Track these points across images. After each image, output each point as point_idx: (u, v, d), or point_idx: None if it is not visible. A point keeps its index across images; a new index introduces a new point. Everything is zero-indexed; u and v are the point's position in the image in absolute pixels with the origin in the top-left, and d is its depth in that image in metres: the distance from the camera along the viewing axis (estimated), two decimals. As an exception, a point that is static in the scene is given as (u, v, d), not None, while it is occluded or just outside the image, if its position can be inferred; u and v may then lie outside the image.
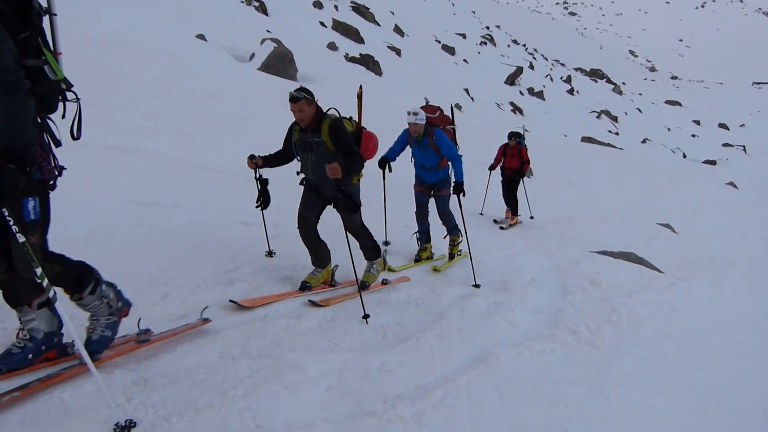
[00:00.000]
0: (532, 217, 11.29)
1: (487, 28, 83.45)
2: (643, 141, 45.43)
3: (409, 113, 6.36)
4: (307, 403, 3.34)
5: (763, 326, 6.50)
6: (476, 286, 6.08)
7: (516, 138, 10.89)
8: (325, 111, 4.98)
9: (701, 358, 5.12)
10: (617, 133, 46.50)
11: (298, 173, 5.21)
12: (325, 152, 4.87)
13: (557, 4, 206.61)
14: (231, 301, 4.38)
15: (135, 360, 3.43)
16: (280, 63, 20.39)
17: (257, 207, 5.37)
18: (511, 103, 43.01)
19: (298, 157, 5.17)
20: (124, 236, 5.30)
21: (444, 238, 7.15)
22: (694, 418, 4.11)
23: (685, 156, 41.16)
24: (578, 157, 23.04)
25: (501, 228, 9.99)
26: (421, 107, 6.67)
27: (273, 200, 5.51)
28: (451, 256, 7.13)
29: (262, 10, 32.05)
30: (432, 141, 6.47)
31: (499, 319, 5.15)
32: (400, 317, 4.87)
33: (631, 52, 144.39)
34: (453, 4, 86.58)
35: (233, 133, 11.08)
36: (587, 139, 33.87)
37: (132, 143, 8.65)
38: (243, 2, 31.60)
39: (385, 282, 5.72)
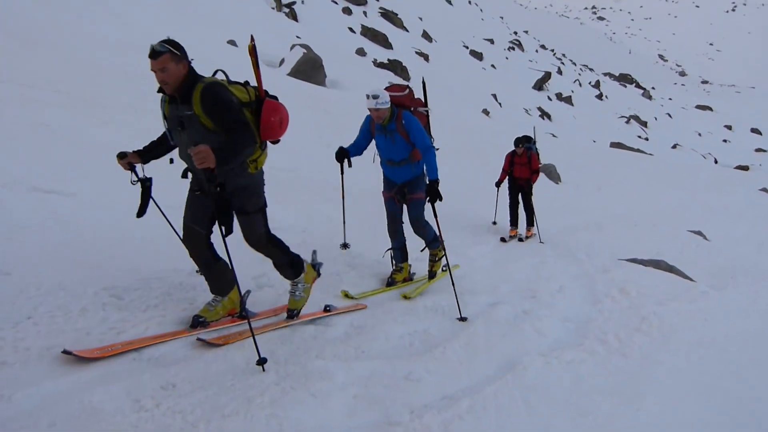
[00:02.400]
0: (542, 242, 9.33)
1: (515, 33, 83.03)
2: (674, 146, 44.68)
3: (368, 96, 5.24)
4: (334, 411, 3.34)
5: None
6: (462, 319, 5.07)
7: (524, 144, 9.66)
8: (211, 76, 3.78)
9: (734, 367, 5.00)
10: (647, 139, 45.82)
11: (171, 161, 4.04)
12: (200, 130, 3.63)
13: (585, 9, 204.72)
14: (65, 351, 3.31)
15: (163, 365, 3.48)
16: (309, 68, 20.54)
17: (137, 215, 4.01)
18: (539, 108, 42.69)
19: (172, 138, 3.87)
20: (154, 240, 5.38)
21: (422, 251, 6.21)
22: (726, 429, 4.02)
23: (716, 161, 40.36)
24: (607, 162, 22.76)
25: (519, 240, 9.34)
26: (386, 87, 5.66)
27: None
28: (432, 275, 6.14)
29: (292, 16, 32.36)
30: (401, 125, 5.41)
31: (526, 328, 5.09)
32: (427, 325, 4.85)
33: (661, 57, 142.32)
34: (481, 10, 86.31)
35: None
36: (616, 145, 33.44)
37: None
38: (273, 8, 31.95)
39: (327, 309, 4.72)
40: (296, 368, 3.69)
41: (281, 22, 29.84)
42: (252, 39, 4.14)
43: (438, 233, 5.78)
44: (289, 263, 4.34)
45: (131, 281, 4.38)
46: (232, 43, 20.99)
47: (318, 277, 4.73)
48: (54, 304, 3.81)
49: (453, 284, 5.33)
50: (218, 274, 4.07)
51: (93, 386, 3.10)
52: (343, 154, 5.64)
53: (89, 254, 4.63)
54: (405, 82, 6.68)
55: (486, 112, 31.66)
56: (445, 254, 5.85)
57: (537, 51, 78.42)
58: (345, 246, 6.20)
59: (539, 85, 52.38)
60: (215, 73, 3.82)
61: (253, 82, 4.06)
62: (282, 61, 20.97)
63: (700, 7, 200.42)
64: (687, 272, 7.89)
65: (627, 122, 51.86)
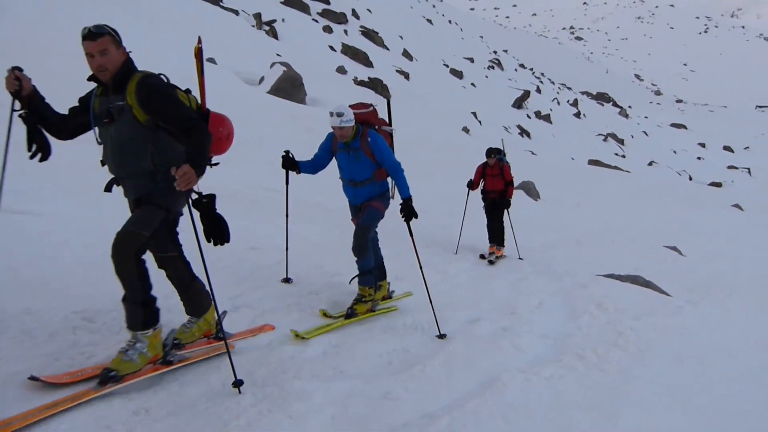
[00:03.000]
0: (520, 258, 9.30)
1: (495, 52, 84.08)
2: (650, 163, 45.32)
3: (332, 114, 5.00)
4: (312, 432, 3.30)
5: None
6: (441, 336, 5.03)
7: (495, 155, 9.32)
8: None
9: (710, 380, 5.04)
10: (624, 156, 46.42)
11: (103, 164, 3.50)
12: (130, 123, 3.24)
13: (564, 29, 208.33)
14: (32, 377, 3.16)
15: (136, 389, 3.39)
16: (289, 86, 20.53)
17: (30, 156, 3.40)
18: (519, 126, 43.11)
19: (98, 137, 3.38)
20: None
21: (350, 282, 5.60)
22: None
23: (691, 178, 41.02)
24: (586, 179, 23.02)
25: (482, 257, 8.91)
26: (351, 105, 5.36)
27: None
28: (350, 314, 5.16)
29: (273, 34, 32.42)
30: (365, 143, 5.17)
31: (506, 344, 5.09)
32: (407, 343, 4.82)
33: (637, 76, 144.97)
34: (461, 29, 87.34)
35: (243, 157, 11.14)
36: (594, 162, 33.85)
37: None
38: (253, 26, 31.99)
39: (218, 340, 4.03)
40: (273, 389, 3.64)
41: (261, 40, 29.88)
42: (199, 41, 3.66)
43: (416, 257, 5.38)
44: (142, 301, 3.42)
45: (103, 304, 4.27)
46: (211, 61, 20.93)
47: (216, 332, 4.04)
48: (19, 329, 3.72)
49: (431, 300, 5.19)
50: (194, 294, 3.82)
51: (61, 413, 3.01)
52: (289, 163, 5.38)
53: (59, 276, 4.55)
54: (368, 102, 6.34)
55: (466, 129, 31.90)
56: (425, 284, 5.27)
57: (516, 70, 79.45)
58: (287, 281, 5.76)
59: (518, 104, 52.96)
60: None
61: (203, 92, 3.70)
62: (262, 79, 20.96)
63: (674, 29, 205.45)
64: (663, 287, 7.99)
65: (604, 140, 52.55)
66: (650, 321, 6.23)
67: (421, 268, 5.43)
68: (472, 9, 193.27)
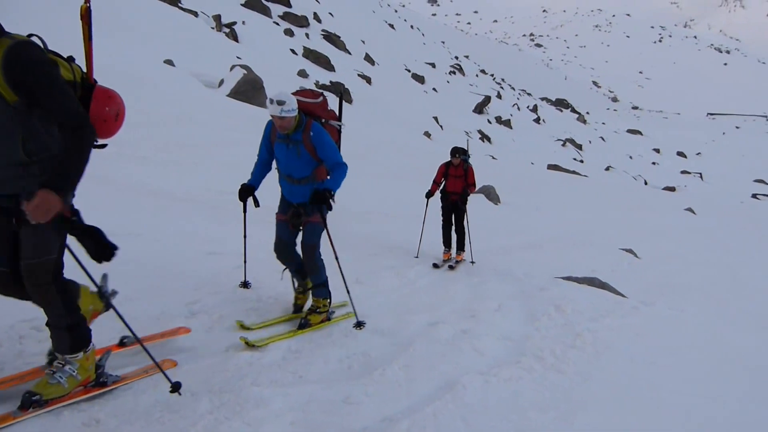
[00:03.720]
0: (473, 262, 8.98)
1: (456, 57, 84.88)
2: (607, 168, 46.39)
3: (271, 101, 4.48)
4: (270, 439, 3.25)
5: (721, 347, 6.63)
6: (358, 325, 5.15)
7: (461, 155, 8.90)
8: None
9: (664, 379, 5.17)
10: (582, 161, 47.42)
11: None
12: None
13: (524, 36, 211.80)
14: None
15: (86, 398, 3.27)
16: (249, 89, 20.36)
17: None
18: (480, 131, 43.61)
19: None
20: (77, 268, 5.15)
21: (301, 292, 5.38)
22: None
23: (646, 183, 42.13)
24: (545, 184, 23.42)
25: (450, 267, 8.46)
26: (296, 92, 4.92)
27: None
28: (304, 324, 4.94)
29: (233, 36, 32.11)
30: (308, 137, 4.64)
31: (465, 347, 5.12)
32: (367, 347, 4.80)
33: (595, 83, 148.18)
34: (423, 34, 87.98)
35: (201, 160, 11.00)
36: (553, 167, 34.48)
37: (93, 170, 8.48)
38: (213, 28, 31.63)
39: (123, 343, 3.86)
40: (231, 396, 3.57)
41: (221, 43, 29.55)
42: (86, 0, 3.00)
43: (335, 259, 5.05)
44: (67, 326, 3.05)
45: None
46: (169, 62, 20.63)
47: (106, 310, 3.59)
48: None
49: (348, 291, 5.14)
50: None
51: (4, 428, 2.89)
52: (246, 192, 4.95)
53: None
54: (318, 91, 5.81)
55: (428, 134, 32.11)
56: (349, 298, 5.15)
57: (477, 75, 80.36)
58: (245, 285, 5.64)
59: (479, 109, 53.59)
60: (29, 36, 2.71)
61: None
62: (221, 82, 20.75)
63: (630, 38, 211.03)
64: (619, 289, 8.16)
65: (563, 145, 53.57)
66: (606, 322, 6.35)
67: (336, 259, 5.08)
68: (434, 14, 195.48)
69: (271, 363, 4.21)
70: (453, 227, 9.04)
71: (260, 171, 5.06)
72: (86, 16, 2.96)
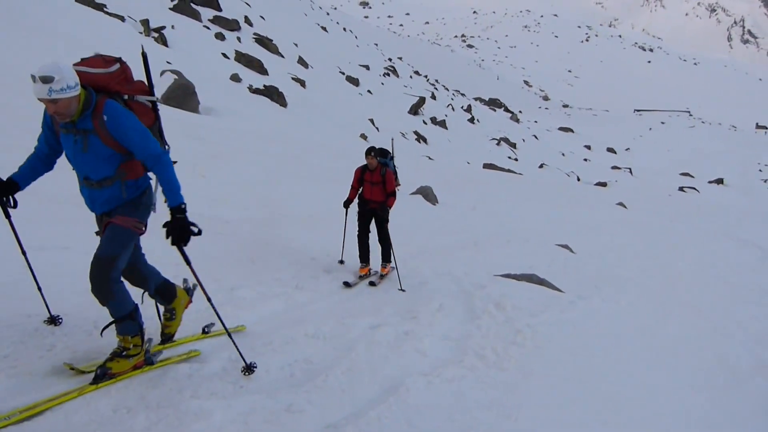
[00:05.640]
0: (402, 290, 7.33)
1: (390, 59, 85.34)
2: (541, 166, 47.58)
3: (34, 78, 3.21)
4: (211, 453, 3.17)
5: (656, 335, 6.92)
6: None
7: (377, 156, 7.65)
8: None
9: (603, 370, 5.35)
10: (516, 159, 48.48)
11: None
12: None
13: (456, 37, 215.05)
14: None
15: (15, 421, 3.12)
16: (181, 95, 19.86)
17: None
18: (416, 132, 43.94)
19: None
20: (9, 284, 4.88)
21: (168, 318, 4.43)
22: (599, 429, 4.26)
23: (579, 179, 43.44)
24: (481, 182, 23.80)
25: (348, 284, 7.07)
26: (80, 62, 3.56)
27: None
28: (101, 375, 3.63)
29: (162, 41, 31.22)
30: (100, 123, 3.39)
31: (408, 349, 5.14)
32: (308, 353, 4.75)
33: (526, 83, 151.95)
34: (356, 37, 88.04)
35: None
36: (489, 166, 35.10)
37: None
38: (141, 33, 30.67)
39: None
40: (169, 411, 3.47)
41: (150, 48, 28.65)
42: None
43: (202, 290, 4.03)
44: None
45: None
46: (96, 68, 19.92)
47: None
48: None
49: (228, 333, 4.22)
50: None
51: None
52: (2, 190, 3.69)
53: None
54: (114, 56, 3.77)
55: (364, 136, 32.10)
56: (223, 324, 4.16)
57: (411, 77, 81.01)
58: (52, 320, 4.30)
59: (415, 110, 54.00)
60: None
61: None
62: (152, 88, 20.17)
63: (558, 38, 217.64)
64: (556, 284, 8.37)
65: (498, 144, 54.64)
66: (545, 317, 6.51)
67: (215, 309, 4.13)
68: (366, 17, 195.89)
69: (211, 374, 4.10)
70: (373, 237, 7.93)
71: (32, 166, 3.73)
72: None
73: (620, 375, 5.34)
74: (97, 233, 3.81)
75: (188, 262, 3.79)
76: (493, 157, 42.78)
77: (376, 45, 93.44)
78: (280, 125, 24.06)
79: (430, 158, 31.75)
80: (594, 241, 14.03)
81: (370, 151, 7.64)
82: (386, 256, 7.94)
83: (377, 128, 37.46)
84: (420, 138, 42.95)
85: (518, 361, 5.15)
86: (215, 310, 4.05)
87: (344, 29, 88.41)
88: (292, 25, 63.82)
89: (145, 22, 31.89)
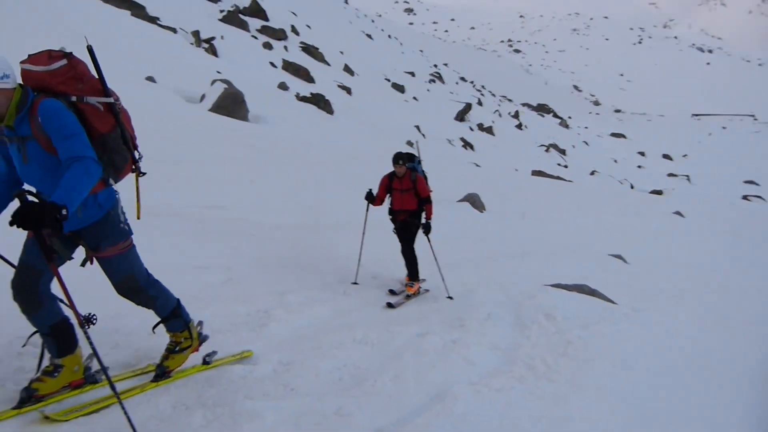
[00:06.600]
0: (450, 297, 7.25)
1: (435, 66, 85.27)
2: (592, 173, 46.71)
3: None
4: (263, 454, 3.23)
5: (714, 353, 6.65)
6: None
7: (405, 162, 7.10)
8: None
9: (656, 387, 5.19)
10: (566, 166, 47.73)
11: None
12: None
13: (502, 42, 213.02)
14: None
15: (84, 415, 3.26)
16: (230, 104, 20.32)
17: None
18: (462, 139, 43.77)
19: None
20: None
21: (153, 329, 3.90)
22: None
23: (632, 187, 42.44)
24: (530, 190, 23.51)
25: (389, 305, 6.57)
26: (26, 59, 3.06)
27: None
28: (162, 373, 3.73)
29: (212, 51, 32.02)
30: (36, 127, 2.96)
31: (455, 357, 5.12)
32: (356, 359, 4.79)
33: (576, 87, 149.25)
34: (401, 44, 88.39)
35: (185, 175, 10.91)
36: (537, 173, 34.64)
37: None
38: (192, 44, 31.54)
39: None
40: (224, 410, 3.56)
41: (201, 58, 29.46)
42: None
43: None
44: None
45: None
46: (150, 79, 20.52)
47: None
48: None
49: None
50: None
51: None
52: None
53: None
54: (63, 50, 3.08)
55: (410, 143, 32.18)
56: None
57: (457, 83, 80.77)
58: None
59: (461, 116, 53.80)
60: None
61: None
62: (203, 97, 20.66)
63: (609, 40, 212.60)
64: (609, 295, 8.16)
65: (546, 151, 53.92)
66: (597, 329, 6.35)
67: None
68: (411, 23, 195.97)
69: (262, 376, 4.18)
70: (401, 249, 7.43)
71: None
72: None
73: (676, 394, 5.17)
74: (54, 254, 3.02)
75: (49, 257, 2.90)
76: (542, 163, 42.23)
77: (422, 51, 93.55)
78: (327, 132, 24.32)
79: (477, 165, 31.57)
80: (648, 251, 13.67)
81: (399, 159, 7.05)
82: (413, 274, 7.29)
83: (423, 135, 37.48)
84: (467, 144, 42.77)
85: (568, 373, 5.06)
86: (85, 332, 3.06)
87: (389, 36, 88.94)
88: (337, 34, 64.57)
89: (196, 34, 32.81)
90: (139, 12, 30.75)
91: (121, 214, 3.41)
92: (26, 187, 3.16)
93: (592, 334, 6.16)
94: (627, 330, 6.59)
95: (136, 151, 3.55)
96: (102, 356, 3.04)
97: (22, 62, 3.05)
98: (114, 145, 3.29)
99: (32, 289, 3.18)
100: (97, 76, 3.22)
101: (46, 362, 3.38)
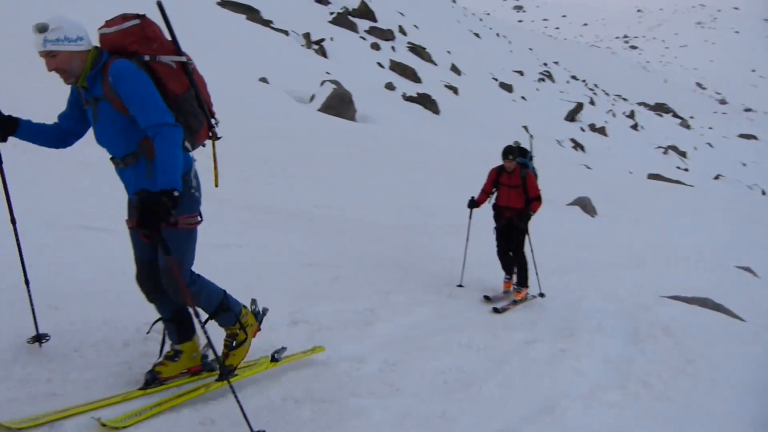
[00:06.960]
0: (542, 295, 7.19)
1: (545, 64, 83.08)
2: (716, 177, 43.73)
3: (34, 30, 2.79)
4: (369, 452, 3.27)
5: None
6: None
7: (515, 156, 6.77)
8: None
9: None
10: (686, 169, 45.02)
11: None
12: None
13: (617, 38, 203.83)
14: None
15: (202, 400, 3.42)
16: (339, 104, 20.81)
17: None
18: (572, 140, 42.38)
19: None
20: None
21: (203, 324, 3.20)
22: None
23: (764, 193, 39.29)
24: (645, 194, 22.37)
25: (495, 310, 6.39)
26: (103, 24, 3.08)
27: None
28: (227, 373, 3.21)
29: (322, 53, 32.94)
30: (108, 87, 2.92)
31: (565, 368, 4.93)
32: (461, 362, 4.73)
33: (699, 85, 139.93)
34: (510, 42, 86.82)
35: (295, 174, 11.29)
36: (654, 176, 32.89)
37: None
38: (303, 46, 32.59)
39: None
40: (332, 406, 3.63)
41: (311, 59, 30.37)
42: None
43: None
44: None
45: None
46: (263, 80, 21.41)
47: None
48: (99, 338, 3.81)
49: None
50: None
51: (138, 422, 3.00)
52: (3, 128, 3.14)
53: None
54: (135, 13, 3.07)
55: (517, 144, 31.60)
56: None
57: (568, 82, 78.25)
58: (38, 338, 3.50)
59: (571, 116, 52.11)
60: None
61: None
62: (312, 97, 21.29)
63: (740, 33, 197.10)
64: (736, 311, 7.58)
65: (665, 153, 51.10)
66: (723, 348, 5.91)
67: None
68: (520, 21, 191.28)
69: (368, 374, 4.23)
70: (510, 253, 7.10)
71: (43, 127, 3.24)
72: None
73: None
74: (127, 220, 3.32)
75: (166, 248, 2.97)
76: (660, 166, 40.06)
77: (531, 49, 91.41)
78: (433, 133, 24.32)
79: (587, 167, 30.43)
80: (784, 264, 12.56)
81: (509, 153, 6.67)
82: (522, 279, 7.00)
83: (531, 135, 36.66)
84: (577, 146, 41.38)
85: (689, 394, 4.73)
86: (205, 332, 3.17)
87: (497, 35, 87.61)
88: (445, 33, 64.41)
89: (307, 36, 33.90)
90: (254, 16, 32.18)
91: (194, 179, 3.29)
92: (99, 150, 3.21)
93: (716, 353, 5.74)
94: (758, 351, 6.07)
95: (213, 119, 3.46)
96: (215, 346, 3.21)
97: (99, 28, 3.07)
98: (189, 107, 3.20)
99: (154, 280, 3.31)
100: (169, 37, 3.14)
101: (167, 348, 3.58)
